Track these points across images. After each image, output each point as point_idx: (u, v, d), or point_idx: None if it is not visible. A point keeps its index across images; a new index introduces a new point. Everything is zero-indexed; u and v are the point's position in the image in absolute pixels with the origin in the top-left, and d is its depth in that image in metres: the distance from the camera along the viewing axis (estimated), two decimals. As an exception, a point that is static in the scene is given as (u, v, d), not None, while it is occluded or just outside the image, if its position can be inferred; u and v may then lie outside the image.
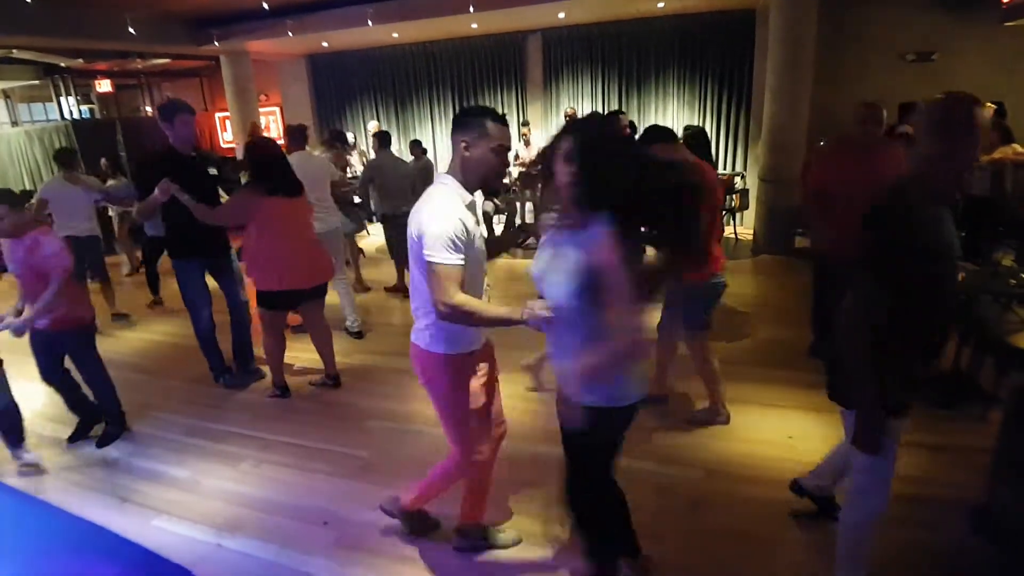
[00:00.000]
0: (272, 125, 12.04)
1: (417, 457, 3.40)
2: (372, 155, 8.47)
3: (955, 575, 2.46)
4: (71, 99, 11.72)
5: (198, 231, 3.98)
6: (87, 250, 5.79)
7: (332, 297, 5.42)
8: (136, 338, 5.73)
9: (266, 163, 3.91)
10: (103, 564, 1.70)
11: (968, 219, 6.14)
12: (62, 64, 10.70)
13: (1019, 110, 6.54)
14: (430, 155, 10.72)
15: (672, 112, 9.15)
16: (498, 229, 8.70)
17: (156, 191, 3.78)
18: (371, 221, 8.69)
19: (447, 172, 2.16)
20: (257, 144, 4.19)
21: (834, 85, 7.86)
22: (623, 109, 9.18)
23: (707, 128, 8.89)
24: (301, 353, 4.88)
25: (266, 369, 4.46)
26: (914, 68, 7.88)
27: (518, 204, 9.03)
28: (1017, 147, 5.89)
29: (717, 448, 3.38)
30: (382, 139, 6.48)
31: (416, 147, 7.60)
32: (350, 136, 9.46)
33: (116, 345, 5.55)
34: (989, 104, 6.30)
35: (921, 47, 7.83)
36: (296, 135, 5.33)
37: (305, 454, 3.55)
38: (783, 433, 3.48)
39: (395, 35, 9.57)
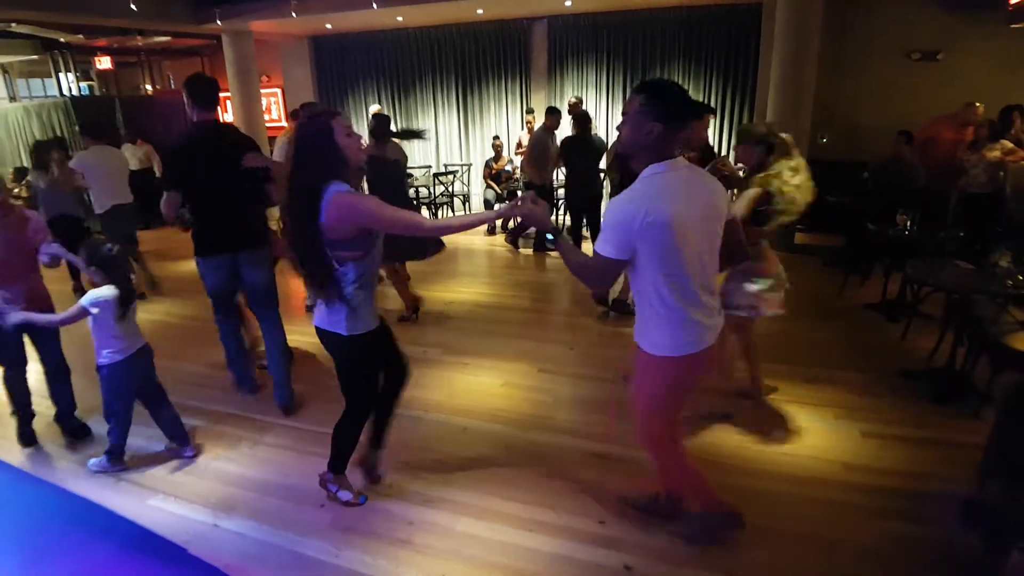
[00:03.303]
0: (273, 107, 11.98)
1: (413, 442, 3.41)
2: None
3: (944, 568, 2.48)
4: (70, 75, 11.61)
5: None
6: (131, 216, 6.22)
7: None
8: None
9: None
10: (99, 540, 1.70)
11: (967, 217, 6.15)
12: (62, 39, 10.60)
13: (1024, 112, 6.52)
14: (433, 141, 10.70)
15: (675, 104, 9.11)
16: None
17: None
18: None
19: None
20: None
21: (837, 80, 7.84)
22: (626, 99, 9.14)
23: (711, 120, 8.86)
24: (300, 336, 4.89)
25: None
26: (919, 67, 7.84)
27: (519, 192, 9.02)
28: (1006, 143, 5.90)
29: (712, 439, 3.40)
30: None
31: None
32: None
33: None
34: (979, 104, 6.34)
35: (926, 46, 7.78)
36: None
37: (302, 436, 3.56)
38: (776, 426, 3.50)
39: (400, 19, 9.50)
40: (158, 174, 8.14)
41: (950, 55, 7.69)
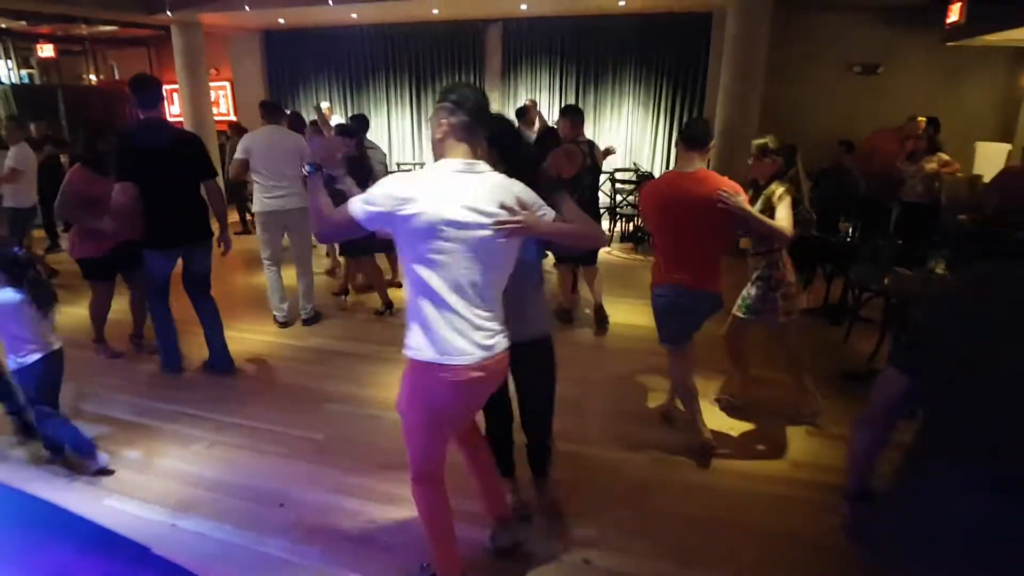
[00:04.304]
0: (222, 100, 11.70)
1: (374, 441, 3.45)
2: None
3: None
4: (9, 62, 11.10)
5: None
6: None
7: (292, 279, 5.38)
8: (73, 312, 5.50)
9: None
10: (58, 541, 1.69)
11: (905, 226, 6.49)
12: (2, 25, 10.13)
13: (958, 125, 6.91)
14: (385, 140, 10.63)
15: (627, 109, 9.33)
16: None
17: None
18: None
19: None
20: None
21: (783, 90, 8.16)
22: (579, 103, 9.28)
23: (660, 127, 9.16)
24: (245, 334, 4.84)
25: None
26: (860, 79, 8.25)
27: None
28: (943, 155, 6.27)
29: (662, 436, 3.54)
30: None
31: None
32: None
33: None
34: (921, 118, 6.71)
35: (868, 59, 8.19)
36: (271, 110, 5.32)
37: (259, 436, 3.55)
38: (726, 424, 3.66)
39: (354, 15, 9.42)
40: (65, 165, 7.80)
41: (889, 69, 8.12)
